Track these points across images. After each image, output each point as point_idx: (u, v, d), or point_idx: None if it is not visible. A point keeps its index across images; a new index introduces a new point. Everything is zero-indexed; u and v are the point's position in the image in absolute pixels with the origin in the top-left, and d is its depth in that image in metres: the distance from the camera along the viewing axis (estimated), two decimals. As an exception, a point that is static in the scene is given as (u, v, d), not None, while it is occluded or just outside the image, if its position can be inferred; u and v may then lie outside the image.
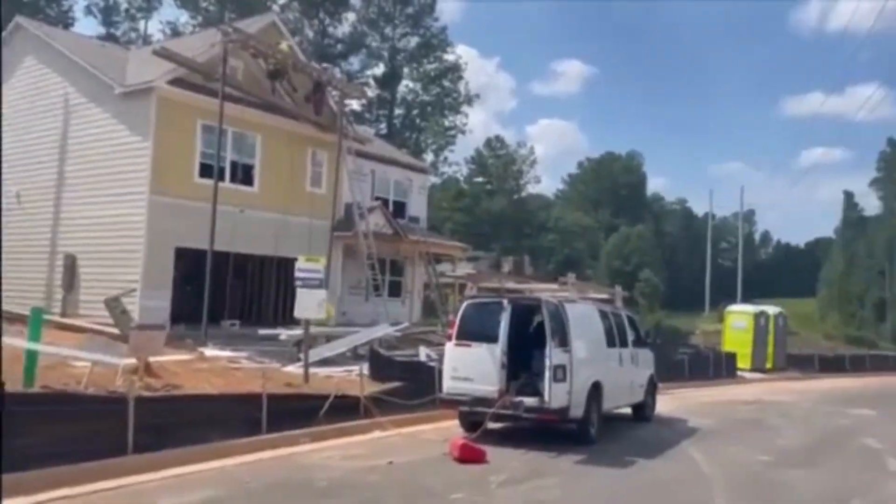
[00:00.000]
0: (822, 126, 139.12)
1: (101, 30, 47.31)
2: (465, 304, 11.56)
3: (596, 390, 11.25)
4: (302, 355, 17.61)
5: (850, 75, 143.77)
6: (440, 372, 13.86)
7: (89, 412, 8.09)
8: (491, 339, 10.84)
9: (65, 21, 44.61)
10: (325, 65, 24.39)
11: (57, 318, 19.28)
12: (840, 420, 16.60)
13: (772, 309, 31.51)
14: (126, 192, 19.40)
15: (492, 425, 11.13)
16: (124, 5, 50.67)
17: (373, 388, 12.81)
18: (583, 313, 11.79)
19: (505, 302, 11.07)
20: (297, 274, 13.81)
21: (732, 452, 11.46)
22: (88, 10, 48.82)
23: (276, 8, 45.68)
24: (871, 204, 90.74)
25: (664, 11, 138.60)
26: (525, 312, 11.31)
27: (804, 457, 11.55)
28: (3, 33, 22.77)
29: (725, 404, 18.54)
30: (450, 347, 11.30)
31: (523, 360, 11.19)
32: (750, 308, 32.13)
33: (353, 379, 15.54)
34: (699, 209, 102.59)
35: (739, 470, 10.19)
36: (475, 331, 11.12)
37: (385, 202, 26.78)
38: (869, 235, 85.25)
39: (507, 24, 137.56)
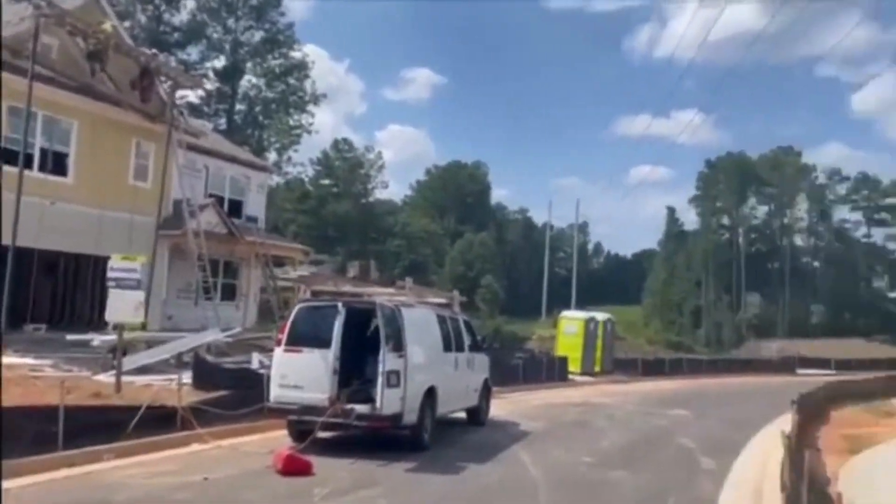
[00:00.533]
0: (649, 146, 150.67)
1: None
2: (296, 308, 10.96)
3: (430, 395, 11.05)
4: (117, 363, 16.21)
5: (674, 100, 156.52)
6: (269, 379, 13.18)
7: None
8: (323, 343, 10.32)
9: None
10: (154, 51, 22.57)
11: None
12: (659, 421, 17.58)
13: (601, 315, 33.20)
14: None
15: (322, 434, 10.61)
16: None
17: (195, 398, 11.86)
18: (420, 318, 11.56)
19: (339, 305, 10.59)
20: (111, 274, 12.59)
21: (559, 455, 11.68)
22: None
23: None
24: (690, 219, 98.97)
25: (512, 27, 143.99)
26: (360, 316, 10.88)
27: (625, 457, 11.99)
28: None
29: (556, 407, 19.11)
30: (279, 353, 10.65)
31: (357, 366, 10.79)
32: (581, 314, 33.68)
33: (174, 389, 14.47)
34: (539, 219, 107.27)
35: (565, 472, 10.36)
36: (307, 335, 10.56)
37: (220, 200, 25.37)
38: (688, 248, 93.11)
39: (359, 28, 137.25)
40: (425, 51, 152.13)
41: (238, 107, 56.75)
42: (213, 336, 18.79)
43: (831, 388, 21.78)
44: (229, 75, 53.70)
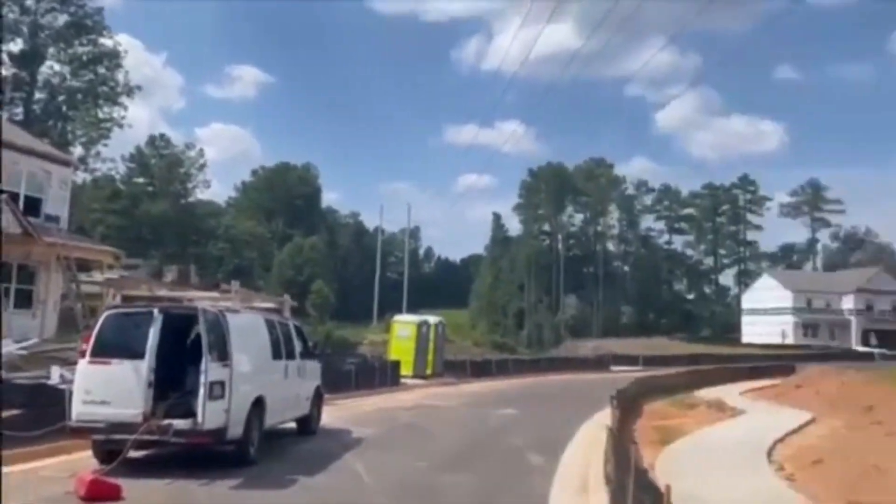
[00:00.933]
0: (476, 154, 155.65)
1: None
2: (105, 315, 9.83)
3: (258, 406, 10.36)
4: None
5: (499, 111, 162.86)
6: (72, 395, 11.82)
7: None
8: (136, 354, 9.34)
9: None
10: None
11: None
12: (489, 421, 17.92)
13: (432, 318, 33.54)
14: None
15: (133, 454, 9.60)
16: None
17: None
18: (247, 324, 10.81)
19: (155, 311, 9.62)
20: None
21: (393, 460, 11.45)
22: None
23: None
24: (514, 226, 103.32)
25: (341, 28, 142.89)
26: (180, 324, 9.97)
27: (459, 459, 12.00)
28: None
29: (388, 412, 18.91)
30: (83, 366, 9.49)
31: (176, 378, 9.86)
32: (413, 318, 33.85)
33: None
34: (370, 223, 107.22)
35: (399, 478, 10.14)
36: (117, 345, 9.51)
37: (14, 196, 22.58)
38: (512, 253, 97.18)
39: (178, 20, 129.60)
40: (252, 48, 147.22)
41: (38, 95, 51.28)
42: (3, 348, 16.63)
43: (642, 383, 23.42)
44: (27, 60, 48.40)
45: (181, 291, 15.73)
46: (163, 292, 13.63)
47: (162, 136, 77.04)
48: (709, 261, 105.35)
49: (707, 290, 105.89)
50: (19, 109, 46.05)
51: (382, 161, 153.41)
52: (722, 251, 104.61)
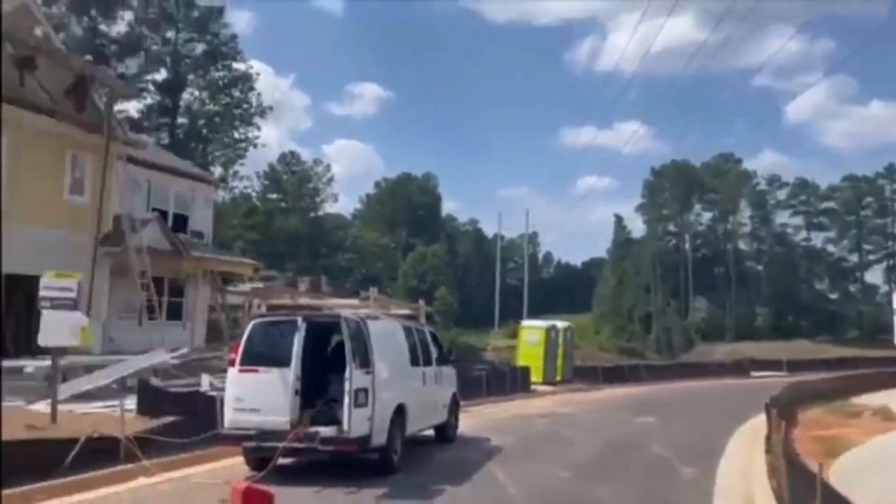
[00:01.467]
0: (595, 156, 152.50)
1: None
2: (251, 324, 10.10)
3: (400, 414, 10.32)
4: (52, 390, 14.99)
5: (617, 112, 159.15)
6: (223, 402, 12.25)
7: None
8: (282, 362, 9.51)
9: None
10: (88, 57, 21.38)
11: None
12: (628, 429, 17.17)
13: (561, 323, 32.87)
14: None
15: (282, 461, 9.78)
16: None
17: (140, 425, 10.89)
18: (386, 331, 10.82)
19: (299, 320, 9.77)
20: (43, 293, 11.53)
21: (536, 470, 11.09)
22: None
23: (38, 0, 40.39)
24: (637, 227, 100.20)
25: (457, 40, 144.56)
26: (322, 331, 10.11)
27: (603, 469, 11.48)
28: None
29: (523, 419, 18.55)
30: (233, 374, 9.78)
31: (320, 386, 9.98)
32: (541, 323, 33.29)
33: (116, 415, 13.41)
34: (489, 230, 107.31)
35: (545, 489, 9.77)
36: (263, 354, 9.73)
37: (164, 215, 24.14)
38: (636, 255, 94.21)
39: (303, 44, 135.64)
40: (371, 66, 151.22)
41: (180, 120, 55.03)
42: (158, 358, 17.65)
43: (794, 389, 21.75)
44: (171, 89, 52.07)
45: (321, 300, 16.09)
46: (304, 301, 13.97)
47: (292, 153, 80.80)
48: (853, 257, 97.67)
49: (852, 288, 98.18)
50: (165, 135, 49.54)
51: (499, 168, 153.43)
52: (868, 246, 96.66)
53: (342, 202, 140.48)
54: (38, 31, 19.14)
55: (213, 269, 24.28)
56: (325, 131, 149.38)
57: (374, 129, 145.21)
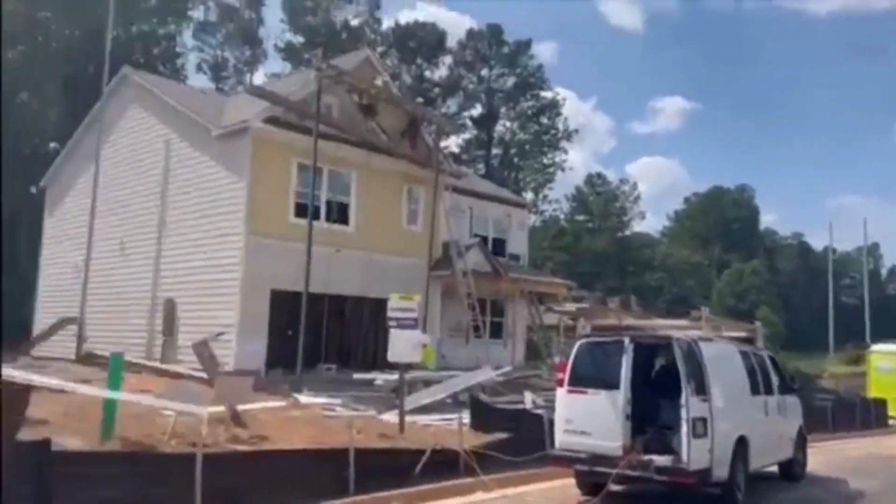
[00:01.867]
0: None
1: (211, 85, 49.34)
2: (578, 344, 10.01)
3: (741, 446, 9.40)
4: (399, 403, 16.56)
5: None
6: (550, 422, 12.34)
7: (150, 474, 7.09)
8: (611, 384, 9.25)
9: (177, 79, 46.73)
10: (420, 100, 23.63)
11: (156, 365, 19.10)
12: None
13: (922, 348, 27.92)
14: (223, 234, 19.13)
15: (613, 487, 9.49)
16: (232, 61, 52.85)
17: (474, 440, 11.44)
18: (721, 354, 9.99)
19: (626, 341, 9.45)
20: (390, 314, 12.75)
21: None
22: (199, 68, 51.27)
23: (317, 61, 46.33)
24: None
25: (766, 41, 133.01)
26: (650, 353, 9.67)
27: None
28: (111, 83, 23.34)
29: (884, 459, 15.88)
30: (562, 395, 9.76)
31: (649, 411, 9.51)
32: (896, 348, 28.63)
33: (453, 428, 14.30)
34: (816, 244, 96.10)
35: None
36: (591, 375, 9.56)
37: (483, 239, 25.62)
38: None
39: (603, 66, 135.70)
40: (674, 79, 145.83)
41: (494, 151, 58.58)
42: (485, 375, 18.59)
43: None
44: (485, 122, 55.79)
45: (646, 320, 15.60)
46: (629, 321, 13.62)
47: (598, 174, 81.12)
48: None
49: None
50: (481, 165, 53.16)
51: (826, 174, 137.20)
52: None
53: (649, 220, 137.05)
54: (379, 81, 21.71)
55: (530, 289, 25.08)
56: (628, 150, 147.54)
57: (678, 144, 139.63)
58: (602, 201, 78.07)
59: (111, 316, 21.96)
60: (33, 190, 35.45)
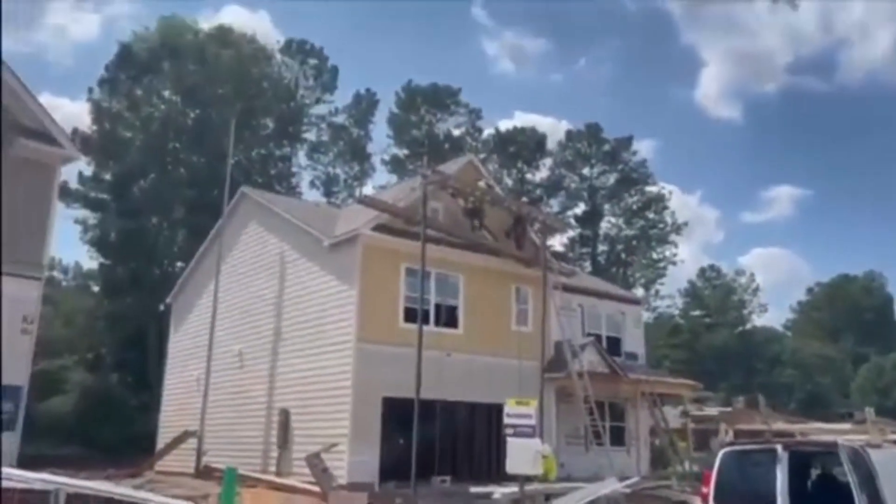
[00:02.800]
0: None
1: (323, 200, 51.70)
2: (722, 453, 8.96)
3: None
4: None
5: None
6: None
7: None
8: (765, 500, 8.12)
9: (293, 196, 49.32)
10: (524, 199, 23.56)
11: (271, 478, 18.91)
12: None
13: None
14: (334, 342, 19.20)
15: None
16: (343, 176, 55.39)
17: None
18: (894, 461, 8.66)
19: (779, 448, 8.34)
20: (507, 420, 12.10)
21: None
22: (312, 184, 53.94)
23: (422, 168, 47.47)
24: None
25: (869, 117, 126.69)
26: (808, 463, 8.48)
27: None
28: (231, 203, 24.62)
29: None
30: (708, 511, 8.66)
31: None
32: None
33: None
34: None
35: None
36: (741, 489, 8.47)
37: (597, 338, 24.56)
38: None
39: (706, 159, 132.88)
40: (781, 167, 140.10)
41: (600, 248, 57.64)
42: (611, 486, 17.23)
43: None
44: (589, 219, 55.32)
45: (796, 423, 14.10)
46: (779, 425, 12.29)
47: (711, 266, 77.87)
48: None
49: None
50: (587, 263, 52.31)
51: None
52: None
53: (770, 314, 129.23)
54: (482, 183, 21.82)
55: (651, 390, 23.59)
56: (739, 242, 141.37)
57: (792, 233, 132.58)
58: (719, 295, 74.50)
59: (229, 429, 22.21)
60: (161, 308, 37.57)
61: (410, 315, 19.36)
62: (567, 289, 24.16)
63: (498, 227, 22.10)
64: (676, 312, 70.93)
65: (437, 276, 20.42)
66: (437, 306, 20.43)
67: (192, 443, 21.89)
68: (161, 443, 25.27)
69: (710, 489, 8.64)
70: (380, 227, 19.67)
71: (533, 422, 12.08)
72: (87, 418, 35.93)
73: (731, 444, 9.05)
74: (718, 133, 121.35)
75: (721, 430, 14.53)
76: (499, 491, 16.17)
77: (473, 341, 20.61)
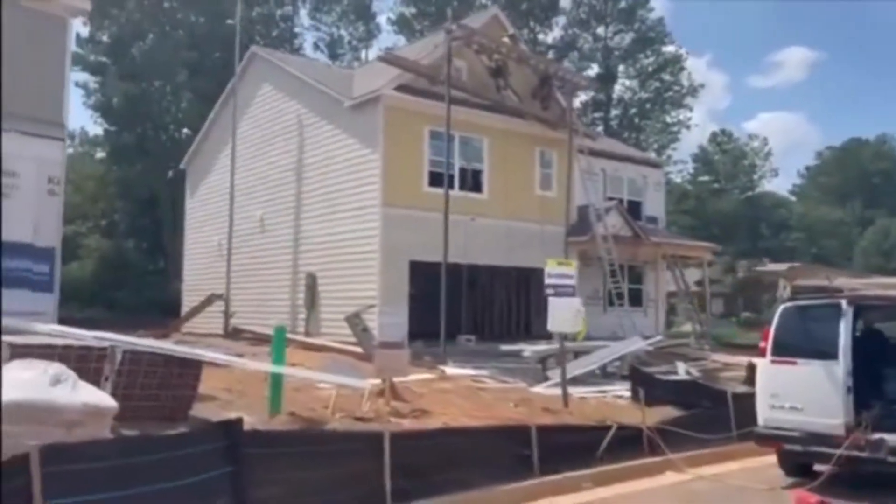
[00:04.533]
0: None
1: (328, 62, 49.86)
2: (782, 308, 8.87)
3: None
4: (549, 374, 15.86)
5: None
6: (733, 396, 11.31)
7: (338, 452, 6.71)
8: (826, 354, 8.09)
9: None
10: (550, 56, 22.52)
11: (301, 338, 19.29)
12: None
13: None
14: (359, 207, 18.95)
15: (819, 468, 8.35)
16: (347, 38, 53.07)
17: (637, 414, 10.55)
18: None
19: (843, 304, 8.23)
20: (548, 280, 11.96)
21: None
22: (316, 46, 51.79)
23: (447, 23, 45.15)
24: None
25: None
26: (874, 318, 8.41)
27: None
28: (241, 63, 23.58)
29: None
30: (765, 366, 8.68)
31: (874, 384, 8.28)
32: None
33: (612, 402, 13.49)
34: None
35: None
36: (801, 344, 8.43)
37: (619, 202, 24.31)
38: None
39: (718, 21, 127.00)
40: (795, 27, 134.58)
41: (613, 112, 56.13)
42: (636, 345, 17.59)
43: None
44: (603, 82, 53.43)
45: (862, 279, 14.09)
46: (841, 281, 12.25)
47: (723, 131, 76.43)
48: None
49: None
50: (600, 128, 51.05)
51: None
52: None
53: (776, 180, 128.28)
54: (506, 38, 20.74)
55: (673, 253, 23.63)
56: (747, 107, 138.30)
57: (803, 97, 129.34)
58: (730, 160, 73.61)
59: (254, 292, 22.43)
60: (170, 174, 37.16)
61: (434, 179, 19.01)
62: (589, 152, 23.62)
63: (522, 87, 21.26)
64: (682, 178, 70.47)
65: (461, 139, 19.86)
66: (462, 170, 20.01)
67: (217, 305, 22.20)
68: (186, 306, 25.69)
69: (769, 344, 8.62)
70: (402, 88, 18.90)
71: (573, 282, 11.99)
72: (105, 283, 36.55)
73: (791, 299, 8.94)
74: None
75: (780, 286, 14.53)
76: (529, 349, 16.48)
77: (497, 206, 20.36)
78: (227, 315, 21.54)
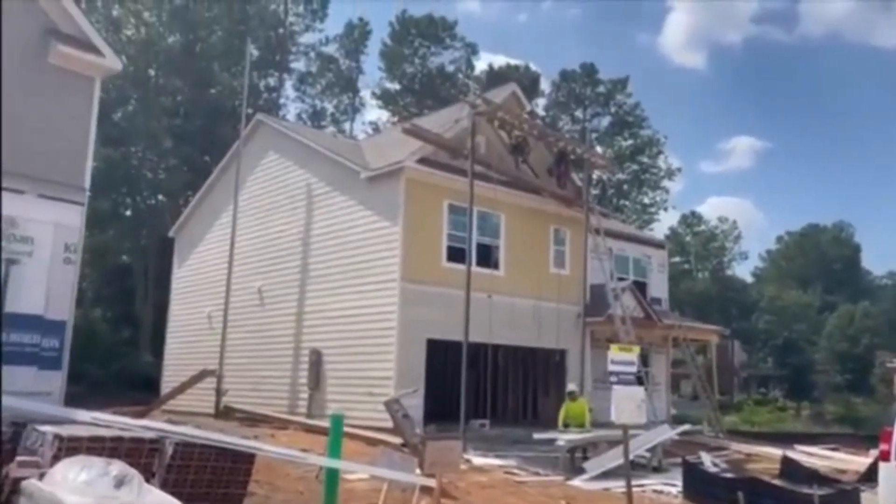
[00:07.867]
0: None
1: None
2: (904, 407, 8.27)
3: None
4: (585, 465, 14.92)
5: None
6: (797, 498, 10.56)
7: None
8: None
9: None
10: (568, 133, 22.41)
11: (303, 420, 18.04)
12: None
13: None
14: (376, 281, 18.06)
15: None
16: (331, 110, 53.08)
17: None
18: None
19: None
20: (611, 367, 11.19)
21: None
22: (299, 117, 51.58)
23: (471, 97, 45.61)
24: None
25: (840, 73, 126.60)
26: None
27: None
28: (245, 130, 22.91)
29: None
30: (889, 471, 7.97)
31: None
32: None
33: (664, 500, 12.65)
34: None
35: None
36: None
37: (632, 283, 23.87)
38: None
39: (671, 105, 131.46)
40: (742, 118, 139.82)
41: (592, 192, 56.85)
42: (666, 434, 16.80)
43: None
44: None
45: None
46: None
47: (693, 213, 78.04)
48: None
49: None
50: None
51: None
52: None
53: (740, 262, 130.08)
54: (526, 115, 20.56)
55: (684, 336, 23.14)
56: (697, 191, 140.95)
57: (750, 184, 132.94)
58: (700, 241, 74.94)
59: (249, 368, 21.09)
60: (143, 242, 35.82)
61: (453, 254, 18.34)
62: (596, 231, 23.31)
63: (539, 163, 21.01)
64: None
65: (479, 215, 19.28)
66: (479, 246, 19.38)
67: (207, 383, 20.77)
68: (167, 381, 24.11)
69: (892, 446, 7.94)
70: (423, 160, 18.40)
71: (636, 369, 11.28)
72: (71, 354, 34.39)
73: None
74: (682, 81, 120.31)
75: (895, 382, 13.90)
76: (562, 437, 15.51)
77: (514, 283, 19.70)
78: (220, 392, 20.14)
